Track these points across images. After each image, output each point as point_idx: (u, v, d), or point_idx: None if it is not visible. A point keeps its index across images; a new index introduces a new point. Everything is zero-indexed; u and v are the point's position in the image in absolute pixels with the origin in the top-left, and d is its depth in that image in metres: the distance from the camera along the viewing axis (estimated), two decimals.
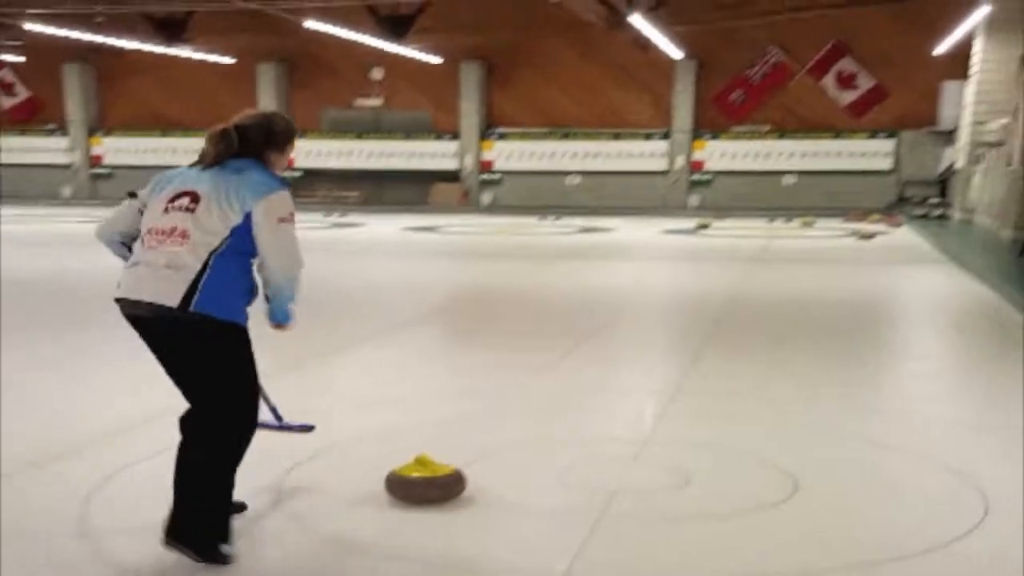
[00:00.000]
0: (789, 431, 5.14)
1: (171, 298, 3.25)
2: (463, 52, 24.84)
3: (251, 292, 3.48)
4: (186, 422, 3.42)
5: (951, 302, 10.58)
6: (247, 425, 3.46)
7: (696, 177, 24.85)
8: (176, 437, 3.44)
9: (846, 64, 23.46)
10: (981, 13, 16.60)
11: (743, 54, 23.87)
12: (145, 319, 3.35)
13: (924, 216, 20.22)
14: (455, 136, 25.78)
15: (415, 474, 3.95)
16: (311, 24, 17.65)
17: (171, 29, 21.72)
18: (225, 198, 3.35)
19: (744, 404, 5.74)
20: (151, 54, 24.03)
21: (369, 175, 26.43)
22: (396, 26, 20.13)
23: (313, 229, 19.97)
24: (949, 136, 22.58)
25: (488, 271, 13.19)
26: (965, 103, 19.40)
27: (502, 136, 25.65)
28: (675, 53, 22.08)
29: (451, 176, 26.01)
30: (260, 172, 3.47)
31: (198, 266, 3.27)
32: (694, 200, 24.73)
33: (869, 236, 17.07)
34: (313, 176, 26.56)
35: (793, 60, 23.78)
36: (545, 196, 24.72)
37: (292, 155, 3.75)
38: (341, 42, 21.61)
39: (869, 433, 5.11)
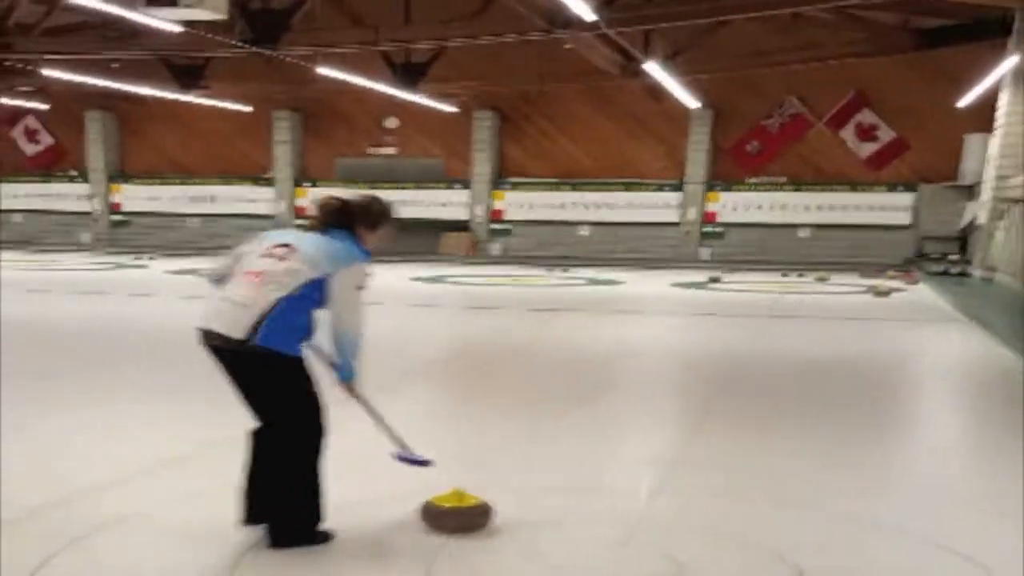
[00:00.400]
0: (794, 512, 4.68)
1: (238, 331, 3.77)
2: (477, 101, 24.72)
3: (308, 332, 3.95)
4: (256, 436, 3.97)
5: (971, 367, 10.09)
6: (308, 436, 3.93)
7: (708, 229, 24.48)
8: None
9: (866, 116, 23.17)
10: (1008, 64, 16.29)
11: (760, 104, 23.66)
12: (217, 348, 3.86)
13: (943, 273, 19.74)
14: (466, 185, 25.55)
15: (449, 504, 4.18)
16: (323, 71, 17.50)
17: (188, 76, 21.71)
18: (315, 257, 3.88)
19: (747, 480, 5.27)
20: (171, 102, 24.08)
21: None
22: (410, 74, 20.01)
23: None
24: (970, 191, 22.16)
25: (489, 324, 12.80)
26: (989, 156, 19.00)
27: (513, 186, 25.41)
28: (690, 102, 21.85)
29: (461, 226, 25.73)
30: (351, 243, 3.99)
31: (267, 307, 3.78)
32: (705, 253, 24.34)
33: (885, 293, 16.61)
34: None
35: (811, 111, 23.51)
36: (555, 246, 24.39)
37: (388, 233, 4.24)
38: (355, 91, 21.54)
39: (880, 515, 4.65)
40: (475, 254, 25.35)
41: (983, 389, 8.95)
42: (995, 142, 18.64)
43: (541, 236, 25.18)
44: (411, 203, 25.76)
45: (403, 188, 25.81)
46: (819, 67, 21.79)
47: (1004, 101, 18.34)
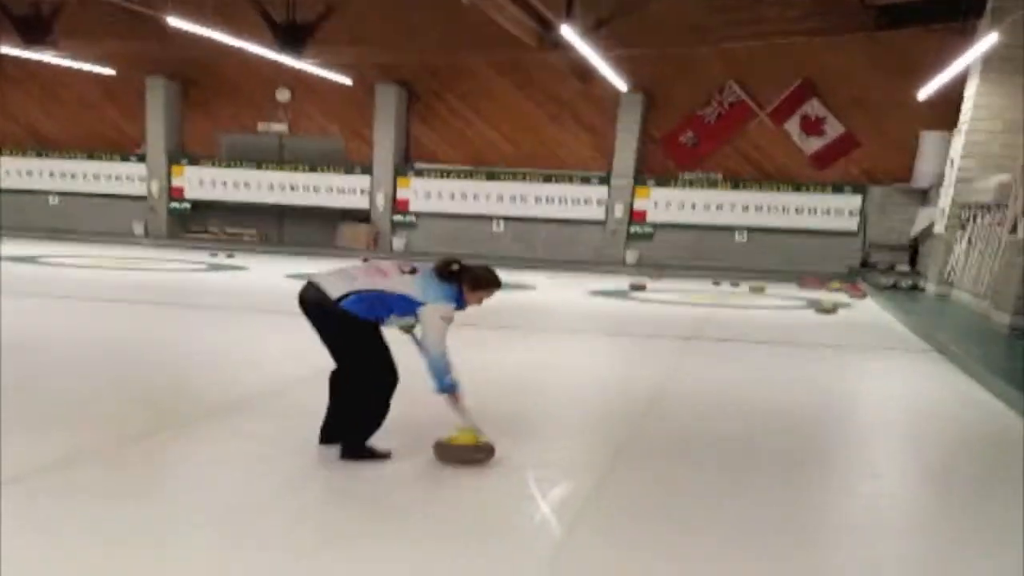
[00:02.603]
0: None
1: (334, 294, 4.95)
2: (379, 74, 21.86)
3: (378, 319, 5.04)
4: (334, 375, 5.27)
5: (939, 412, 7.60)
6: (374, 377, 5.07)
7: (636, 229, 21.88)
8: None
9: (813, 107, 20.77)
10: (978, 48, 13.87)
11: (697, 91, 21.14)
12: (307, 305, 5.08)
13: (893, 286, 17.37)
14: (368, 170, 22.65)
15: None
16: (175, 22, 14.53)
17: (31, 28, 18.54)
18: (423, 285, 5.03)
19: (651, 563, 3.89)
20: (27, 61, 20.90)
21: (269, 211, 23.21)
22: (294, 36, 17.09)
23: (183, 271, 16.86)
24: (925, 195, 19.87)
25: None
26: (951, 156, 16.61)
27: (420, 172, 22.55)
28: (619, 85, 19.25)
29: (362, 216, 22.87)
30: (451, 290, 5.08)
31: (363, 289, 4.98)
32: (632, 256, 21.76)
33: (830, 310, 14.16)
34: (206, 209, 23.37)
35: (753, 100, 21.05)
36: (466, 243, 21.39)
37: (487, 295, 5.32)
38: (240, 57, 18.62)
39: None
40: (376, 248, 22.50)
41: (954, 444, 6.58)
42: (958, 140, 16.25)
43: (449, 231, 22.35)
44: (305, 189, 22.96)
45: (295, 171, 22.89)
46: (763, 49, 19.35)
47: (971, 92, 15.93)
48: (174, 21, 14.57)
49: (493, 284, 5.26)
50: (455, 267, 5.10)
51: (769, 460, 5.76)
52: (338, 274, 5.09)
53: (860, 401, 8.13)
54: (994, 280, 12.56)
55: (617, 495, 4.95)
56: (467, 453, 5.05)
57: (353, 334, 4.99)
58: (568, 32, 13.85)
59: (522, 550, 4.04)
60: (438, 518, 4.41)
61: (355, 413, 5.07)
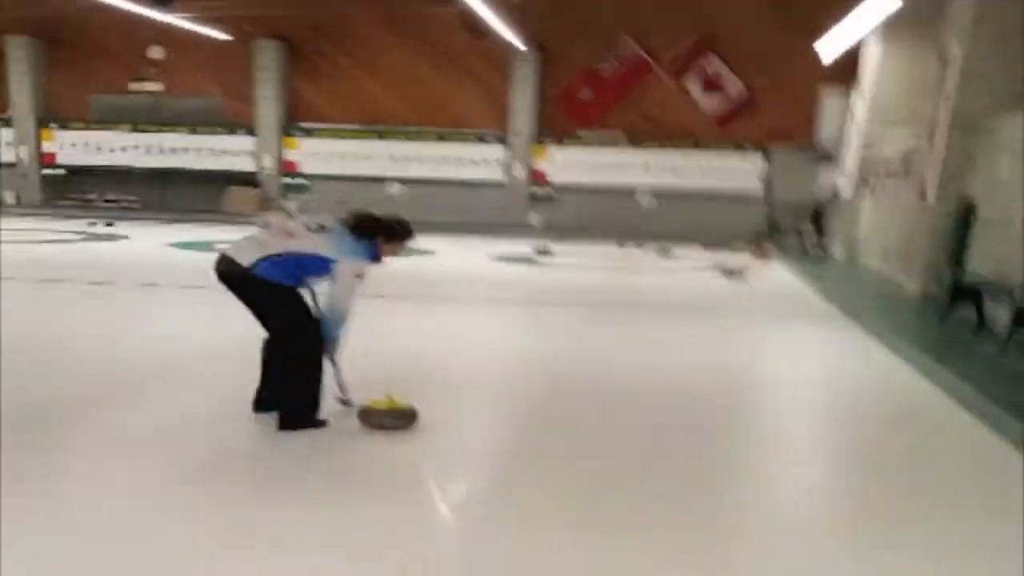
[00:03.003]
0: None
1: (245, 261, 4.85)
2: (257, 29, 20.55)
3: (297, 280, 4.97)
4: (266, 344, 5.22)
5: (859, 386, 7.11)
6: (303, 342, 5.01)
7: (537, 191, 21.20)
8: None
9: (712, 63, 20.27)
10: (884, 7, 13.35)
11: (592, 45, 20.41)
12: (223, 274, 4.92)
13: (801, 250, 17.06)
14: (252, 131, 21.39)
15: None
16: None
17: None
18: (338, 243, 4.94)
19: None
20: None
21: (150, 176, 21.80)
22: None
23: (59, 243, 15.56)
24: (829, 157, 19.62)
25: (232, 318, 8.97)
26: (853, 118, 16.28)
27: (308, 132, 21.41)
28: (513, 40, 18.41)
29: (248, 179, 21.64)
30: (365, 246, 5.03)
31: (274, 253, 4.85)
32: (535, 219, 21.09)
33: (736, 272, 13.72)
34: (83, 175, 21.84)
35: (651, 56, 20.45)
36: (360, 206, 20.37)
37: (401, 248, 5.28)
38: (109, 14, 17.18)
39: None
40: (266, 212, 21.30)
41: (879, 423, 6.05)
42: (861, 101, 15.91)
43: (342, 193, 21.28)
44: (185, 151, 21.59)
45: (174, 132, 21.48)
46: (659, 1, 18.73)
47: (873, 50, 15.60)
48: None
49: (408, 235, 5.28)
50: (369, 222, 5.10)
51: (682, 448, 5.17)
52: (247, 241, 4.96)
53: (775, 377, 7.57)
54: (903, 246, 12.23)
55: (518, 489, 4.42)
56: (390, 419, 5.12)
57: (273, 299, 4.94)
58: None
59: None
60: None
61: (289, 380, 5.06)
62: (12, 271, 11.40)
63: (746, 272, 14.05)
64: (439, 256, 14.93)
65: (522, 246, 17.09)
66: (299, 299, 5.00)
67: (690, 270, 14.71)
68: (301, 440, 4.94)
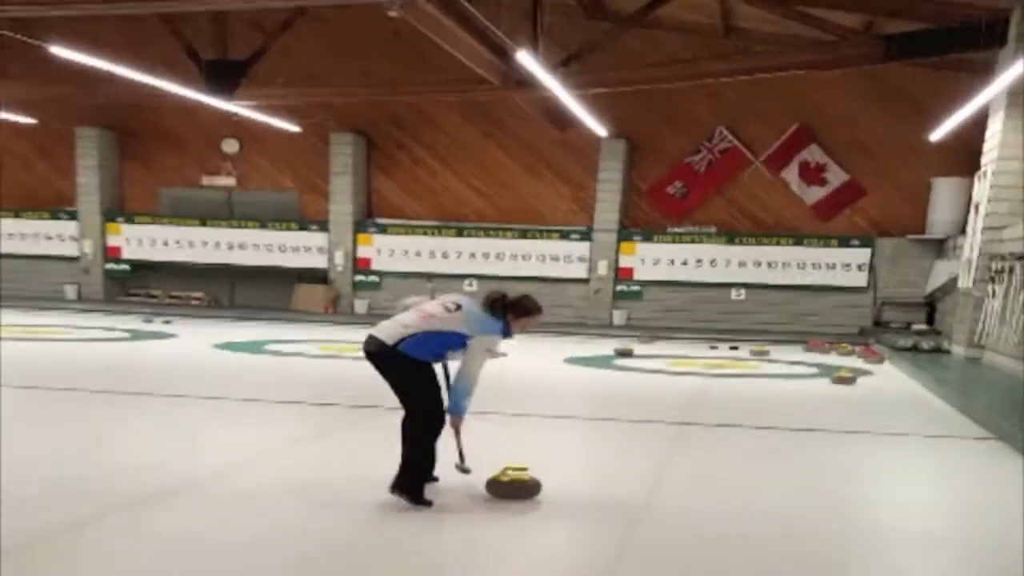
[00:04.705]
0: None
1: (391, 340, 5.42)
2: (335, 121, 19.89)
3: (436, 357, 5.52)
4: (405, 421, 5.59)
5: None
6: (429, 417, 5.50)
7: (623, 288, 19.81)
8: None
9: (812, 152, 18.82)
10: (1002, 82, 11.92)
11: (684, 136, 19.21)
12: (370, 352, 5.50)
13: (913, 348, 15.29)
14: (325, 227, 20.58)
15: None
16: (60, 51, 12.47)
17: None
18: (472, 320, 5.45)
19: None
20: None
21: (218, 272, 21.10)
22: (223, 74, 15.14)
23: (102, 341, 14.73)
24: (940, 246, 17.90)
25: (222, 442, 7.72)
26: (975, 202, 14.63)
27: (383, 229, 20.49)
28: (599, 130, 17.31)
29: (319, 276, 20.76)
30: (497, 323, 5.51)
31: (418, 331, 5.40)
32: (620, 317, 19.67)
33: (849, 379, 12.04)
34: (148, 271, 21.28)
35: (746, 147, 19.11)
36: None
37: (531, 323, 5.73)
38: (183, 106, 16.79)
39: None
40: (335, 312, 20.39)
41: None
42: (983, 183, 14.28)
43: (418, 291, 20.19)
44: (256, 247, 20.88)
45: (245, 228, 20.79)
46: (754, 91, 17.52)
47: (996, 129, 13.99)
48: (59, 51, 12.55)
49: (536, 311, 5.71)
50: (500, 300, 5.59)
51: None
52: (393, 322, 5.54)
53: (908, 527, 5.91)
54: None
55: None
56: (517, 490, 5.63)
57: (411, 374, 5.44)
58: (527, 61, 11.89)
59: None
60: None
61: (409, 450, 5.52)
62: (23, 374, 10.38)
63: (857, 376, 12.39)
64: (510, 358, 13.49)
65: (603, 347, 15.66)
66: (434, 378, 5.51)
67: (792, 375, 13.06)
68: None
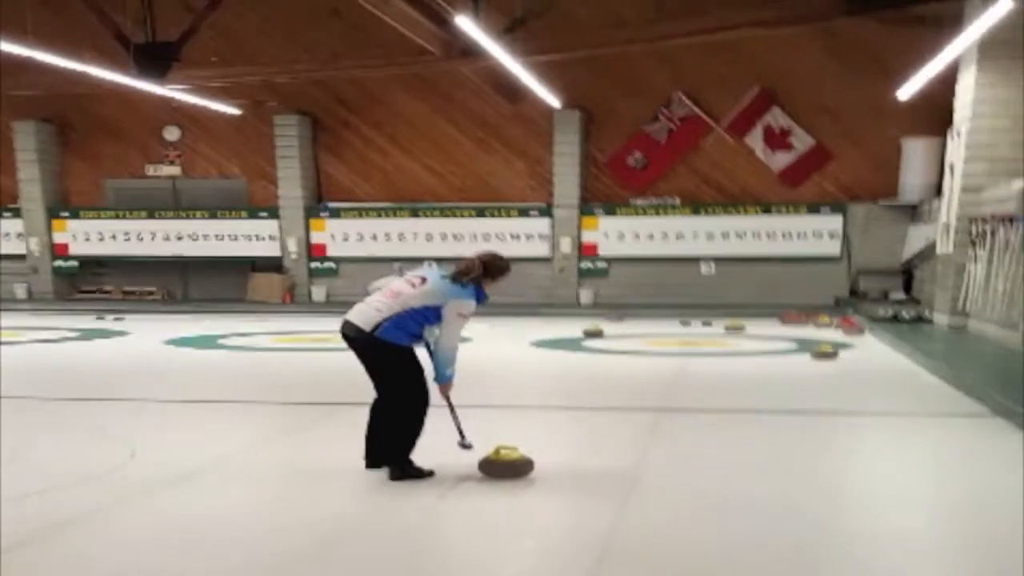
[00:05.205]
0: None
1: (367, 326, 5.44)
2: (279, 103, 18.98)
3: (417, 336, 5.53)
4: (376, 404, 5.71)
5: None
6: (413, 403, 5.58)
7: (588, 265, 19.16)
8: None
9: (776, 117, 18.21)
10: (970, 35, 11.33)
11: (641, 103, 18.49)
12: (348, 336, 5.54)
13: (893, 318, 14.79)
14: (275, 214, 19.71)
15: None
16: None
17: None
18: (442, 289, 5.48)
19: None
20: None
21: (170, 265, 20.20)
22: (152, 57, 14.18)
23: (47, 342, 13.89)
24: (914, 211, 17.40)
25: (168, 439, 6.95)
26: (950, 162, 14.11)
27: (336, 213, 19.66)
28: (551, 100, 16.60)
29: (273, 264, 19.92)
30: (469, 289, 5.50)
31: (391, 314, 5.42)
32: (587, 295, 19.03)
33: (831, 354, 11.48)
34: (99, 267, 20.38)
35: (707, 113, 18.47)
36: None
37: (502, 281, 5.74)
38: (121, 94, 15.95)
39: None
40: (292, 302, 19.59)
41: None
42: (958, 143, 13.75)
43: (376, 276, 19.35)
44: (206, 237, 19.99)
45: (193, 217, 19.88)
46: (712, 55, 16.95)
47: (967, 84, 13.46)
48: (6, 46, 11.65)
49: (506, 269, 5.73)
50: (471, 275, 5.56)
51: None
52: (365, 306, 5.53)
53: (910, 517, 5.32)
54: None
55: None
56: (512, 468, 5.63)
57: (392, 362, 5.50)
58: (468, 26, 11.15)
59: None
60: None
61: (394, 436, 5.62)
62: None
63: (838, 349, 11.85)
64: (476, 343, 12.76)
65: (572, 328, 15.01)
66: (415, 361, 5.56)
67: (770, 352, 12.49)
68: None
